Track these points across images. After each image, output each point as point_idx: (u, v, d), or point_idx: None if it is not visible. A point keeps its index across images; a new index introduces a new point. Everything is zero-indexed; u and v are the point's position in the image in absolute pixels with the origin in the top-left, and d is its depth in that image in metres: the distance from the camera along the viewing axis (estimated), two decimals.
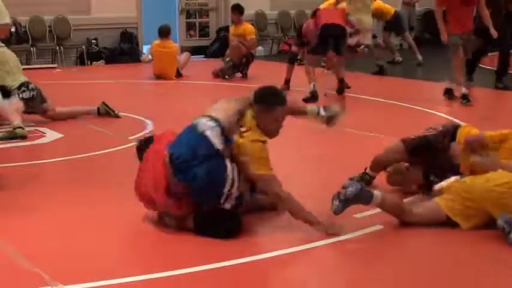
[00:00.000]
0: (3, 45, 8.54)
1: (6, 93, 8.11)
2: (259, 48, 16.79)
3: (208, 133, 4.52)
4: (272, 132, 4.66)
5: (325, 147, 7.09)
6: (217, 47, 16.19)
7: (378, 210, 4.94)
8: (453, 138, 5.25)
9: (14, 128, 7.58)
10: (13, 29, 14.07)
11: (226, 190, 4.46)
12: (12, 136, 7.50)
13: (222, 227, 4.42)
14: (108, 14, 14.64)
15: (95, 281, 3.85)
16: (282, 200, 4.52)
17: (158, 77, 12.31)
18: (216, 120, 4.56)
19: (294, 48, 11.44)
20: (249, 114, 4.62)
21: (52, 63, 14.31)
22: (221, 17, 16.61)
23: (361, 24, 11.12)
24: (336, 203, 4.55)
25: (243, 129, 4.57)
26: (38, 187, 5.85)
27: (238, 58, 12.57)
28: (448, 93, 9.80)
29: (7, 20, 7.58)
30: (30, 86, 8.29)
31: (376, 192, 4.60)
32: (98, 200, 5.23)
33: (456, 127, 5.41)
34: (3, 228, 4.72)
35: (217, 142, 4.50)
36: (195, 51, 16.06)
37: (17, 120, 7.70)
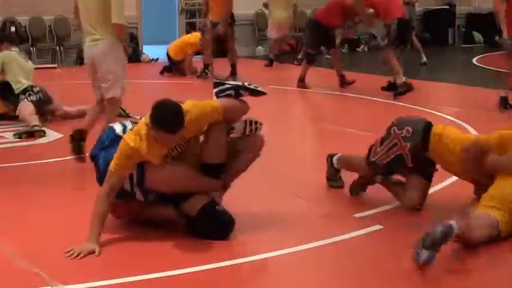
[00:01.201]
0: (16, 50, 8.69)
1: (10, 92, 8.18)
2: (259, 48, 16.79)
3: (114, 125, 4.65)
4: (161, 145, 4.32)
5: (329, 147, 7.09)
6: (216, 46, 16.14)
7: (377, 210, 4.96)
8: (426, 141, 4.88)
9: (32, 127, 7.66)
10: (13, 29, 14.09)
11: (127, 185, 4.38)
12: (28, 131, 7.64)
13: (214, 228, 4.40)
14: None
15: (94, 281, 3.85)
16: (98, 195, 4.31)
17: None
18: (134, 119, 4.69)
19: (309, 50, 11.19)
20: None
21: (52, 63, 14.31)
22: None
23: None
24: (425, 254, 3.90)
25: (136, 121, 4.47)
26: (36, 187, 5.84)
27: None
28: (504, 102, 8.94)
29: None
30: (35, 89, 8.43)
31: (452, 222, 4.05)
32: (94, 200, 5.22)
33: (427, 129, 4.96)
34: (2, 228, 4.72)
35: (120, 130, 4.54)
36: None
37: (34, 121, 7.82)
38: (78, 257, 4.09)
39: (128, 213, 4.65)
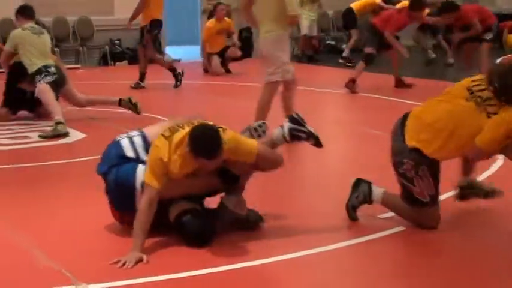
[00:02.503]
0: (29, 25, 8.60)
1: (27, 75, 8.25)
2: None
3: (121, 139, 4.61)
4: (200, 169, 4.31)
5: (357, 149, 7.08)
6: (240, 47, 16.19)
7: None
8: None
9: (57, 124, 7.68)
10: None
11: (138, 196, 4.36)
12: (54, 134, 7.61)
13: (186, 237, 4.35)
14: (130, 15, 14.67)
15: (118, 280, 3.86)
16: (138, 209, 4.25)
17: None
18: (139, 130, 4.64)
19: (368, 49, 10.94)
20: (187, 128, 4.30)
21: (75, 64, 14.40)
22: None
23: None
24: None
25: (166, 132, 4.31)
26: (60, 187, 5.88)
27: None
28: None
29: None
30: (51, 70, 8.26)
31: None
32: None
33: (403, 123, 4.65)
34: (26, 227, 4.75)
35: (128, 148, 4.53)
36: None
37: (57, 115, 7.80)
38: (130, 266, 4.02)
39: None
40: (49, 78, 8.17)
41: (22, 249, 4.36)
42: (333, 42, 17.08)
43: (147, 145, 4.50)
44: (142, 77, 11.63)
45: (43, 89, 8.08)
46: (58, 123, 7.70)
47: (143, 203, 4.21)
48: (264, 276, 4.05)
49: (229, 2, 14.66)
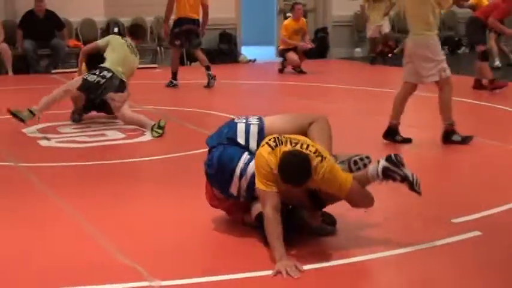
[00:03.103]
0: (132, 47, 8.61)
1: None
2: (357, 49, 16.68)
3: (238, 122, 4.60)
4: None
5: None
6: (315, 47, 16.18)
7: (477, 215, 4.85)
8: None
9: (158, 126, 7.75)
10: (116, 29, 14.46)
11: (234, 181, 4.40)
12: (160, 133, 7.73)
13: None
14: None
15: (191, 277, 3.89)
16: (265, 217, 4.19)
17: None
18: (260, 119, 4.60)
19: (480, 47, 10.65)
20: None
21: (152, 64, 14.61)
22: (319, 17, 16.58)
23: None
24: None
25: (271, 142, 4.24)
26: (137, 184, 5.98)
27: None
28: None
29: None
30: (103, 73, 8.14)
31: None
32: (194, 199, 5.31)
33: None
34: (103, 223, 4.85)
35: (241, 134, 4.52)
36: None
37: (147, 121, 7.89)
38: (295, 276, 3.94)
39: (221, 207, 4.72)
40: (91, 77, 8.11)
41: (97, 244, 4.44)
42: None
43: (260, 137, 4.47)
44: (174, 76, 11.69)
45: (70, 82, 8.35)
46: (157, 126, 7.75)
47: (268, 212, 4.15)
48: (335, 279, 4.04)
49: (305, 2, 14.68)
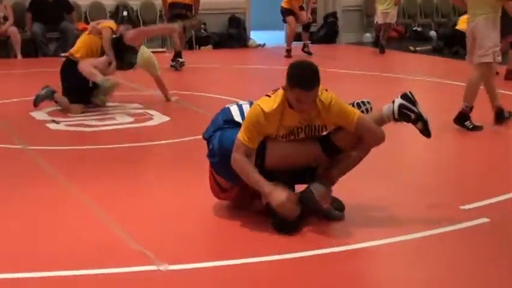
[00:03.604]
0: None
1: None
2: (367, 34, 16.61)
3: (230, 106, 4.63)
4: (295, 109, 4.30)
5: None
6: (325, 32, 16.15)
7: (485, 202, 4.84)
8: None
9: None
10: (125, 13, 14.40)
11: None
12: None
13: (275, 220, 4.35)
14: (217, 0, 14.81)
15: (199, 262, 3.90)
16: (233, 161, 4.28)
17: None
18: (250, 101, 4.61)
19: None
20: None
21: (161, 48, 14.59)
22: (329, 3, 16.50)
23: None
24: None
25: (269, 93, 4.38)
26: (145, 168, 6.00)
27: None
28: None
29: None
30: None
31: None
32: (201, 184, 5.31)
33: None
34: (111, 207, 4.85)
35: (236, 113, 4.54)
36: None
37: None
38: (293, 212, 4.17)
39: (228, 198, 4.72)
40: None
41: (105, 228, 4.45)
42: (419, 29, 16.78)
43: None
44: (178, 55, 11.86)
45: None
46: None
47: (237, 156, 4.25)
48: (344, 264, 4.04)
49: None
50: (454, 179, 5.56)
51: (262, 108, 4.26)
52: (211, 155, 4.57)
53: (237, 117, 4.55)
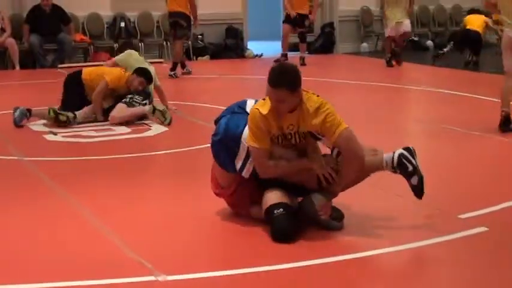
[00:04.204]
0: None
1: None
2: (364, 44, 16.64)
3: (248, 99, 4.69)
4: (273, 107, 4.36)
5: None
6: (322, 42, 16.18)
7: (483, 211, 4.84)
8: None
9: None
10: (123, 24, 14.48)
11: (242, 152, 4.42)
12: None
13: (272, 231, 4.35)
14: (214, 10, 14.81)
15: (197, 272, 3.89)
16: (268, 170, 4.34)
17: None
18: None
19: None
20: None
21: (159, 58, 14.61)
22: (326, 12, 16.54)
23: None
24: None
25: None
26: (142, 179, 5.98)
27: None
28: None
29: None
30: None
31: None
32: (200, 194, 5.31)
33: None
34: (109, 217, 4.85)
35: (251, 104, 4.57)
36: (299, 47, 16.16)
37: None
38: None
39: (225, 196, 4.71)
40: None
41: (103, 239, 4.45)
42: (416, 38, 16.80)
43: None
44: (174, 66, 12.31)
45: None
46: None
47: (264, 163, 4.33)
48: (341, 273, 4.03)
49: None
50: (452, 188, 5.55)
51: (259, 111, 4.34)
52: (214, 133, 4.62)
53: (250, 106, 4.59)
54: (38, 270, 3.97)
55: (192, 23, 12.34)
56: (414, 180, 4.45)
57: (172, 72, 12.12)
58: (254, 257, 4.13)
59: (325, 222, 4.46)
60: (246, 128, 4.44)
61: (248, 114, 4.49)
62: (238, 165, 4.48)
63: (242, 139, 4.45)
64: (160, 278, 3.79)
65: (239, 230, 4.52)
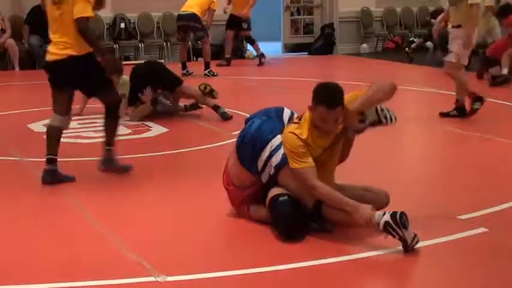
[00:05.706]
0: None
1: None
2: (364, 45, 16.64)
3: (285, 107, 4.73)
4: (323, 130, 4.40)
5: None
6: (321, 44, 16.18)
7: (483, 212, 4.84)
8: None
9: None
10: (123, 25, 14.48)
11: (265, 154, 4.43)
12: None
13: (281, 224, 4.36)
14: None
15: (197, 273, 3.89)
16: (317, 191, 4.30)
17: None
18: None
19: None
20: None
21: (159, 59, 14.61)
22: (326, 13, 16.54)
23: None
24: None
25: (295, 119, 4.49)
26: (142, 180, 5.98)
27: None
28: None
29: None
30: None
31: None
32: (201, 195, 5.31)
33: None
34: (110, 218, 4.86)
35: (287, 115, 4.63)
36: (299, 48, 16.18)
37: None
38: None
39: (233, 195, 4.72)
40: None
41: (104, 239, 4.45)
42: (416, 40, 16.76)
43: None
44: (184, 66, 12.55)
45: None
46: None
47: (315, 184, 4.29)
48: (340, 274, 4.03)
49: None
50: (451, 189, 5.56)
51: (298, 136, 4.35)
52: (244, 129, 4.63)
53: (286, 117, 4.64)
54: (38, 270, 3.97)
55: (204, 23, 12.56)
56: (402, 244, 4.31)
57: (206, 71, 12.41)
58: (254, 258, 4.14)
59: (318, 226, 4.45)
60: (278, 136, 4.46)
61: (283, 122, 4.56)
62: (259, 166, 4.50)
63: (269, 145, 4.46)
64: (160, 279, 3.79)
65: (239, 231, 4.53)
